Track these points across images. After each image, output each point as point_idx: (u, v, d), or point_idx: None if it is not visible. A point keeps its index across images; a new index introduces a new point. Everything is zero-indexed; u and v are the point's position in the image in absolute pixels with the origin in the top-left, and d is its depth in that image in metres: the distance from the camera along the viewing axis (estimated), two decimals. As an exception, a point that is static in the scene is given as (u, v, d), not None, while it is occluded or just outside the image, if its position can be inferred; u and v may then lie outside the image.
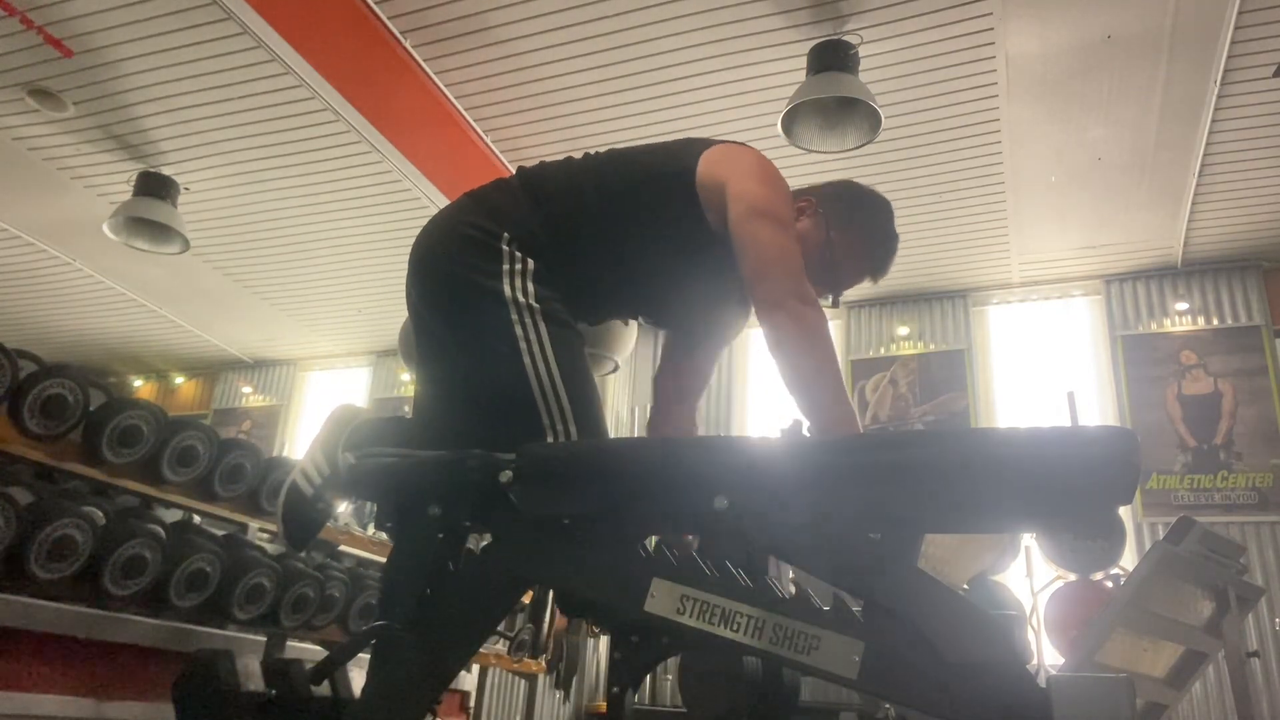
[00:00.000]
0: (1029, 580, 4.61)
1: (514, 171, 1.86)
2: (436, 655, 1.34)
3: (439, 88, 4.65)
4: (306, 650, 2.65)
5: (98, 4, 4.19)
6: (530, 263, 1.67)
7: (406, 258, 1.80)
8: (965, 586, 3.59)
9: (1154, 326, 6.00)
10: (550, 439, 1.59)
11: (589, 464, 1.32)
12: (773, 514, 1.19)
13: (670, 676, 4.91)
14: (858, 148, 4.39)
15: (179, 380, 8.74)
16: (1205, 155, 4.88)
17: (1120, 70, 4.31)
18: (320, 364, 8.29)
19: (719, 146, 1.78)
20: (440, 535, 1.41)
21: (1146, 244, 5.82)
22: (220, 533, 2.69)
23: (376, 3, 4.16)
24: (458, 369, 1.73)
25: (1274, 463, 5.48)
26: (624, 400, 6.70)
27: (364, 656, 2.34)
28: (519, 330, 1.61)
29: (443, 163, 5.02)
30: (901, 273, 6.05)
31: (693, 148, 1.78)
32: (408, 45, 4.39)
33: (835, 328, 6.49)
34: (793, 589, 1.17)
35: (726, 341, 2.10)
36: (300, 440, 7.87)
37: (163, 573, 2.21)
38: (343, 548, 3.23)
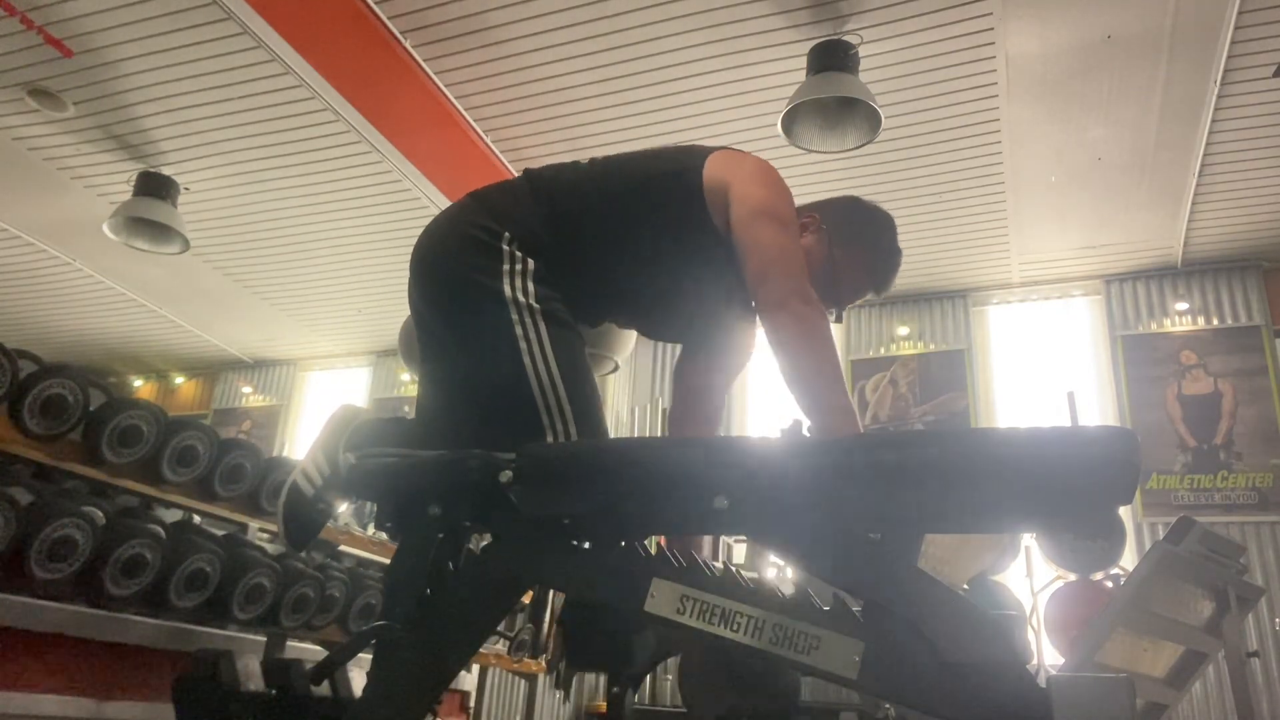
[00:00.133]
0: (1029, 580, 4.61)
1: (515, 172, 1.86)
2: (436, 655, 1.34)
3: (439, 88, 4.65)
4: (306, 650, 2.65)
5: (98, 4, 4.19)
6: (530, 262, 1.67)
7: (407, 258, 1.80)
8: (965, 586, 3.58)
9: (1154, 326, 6.00)
10: (550, 439, 1.60)
11: (589, 464, 1.32)
12: (772, 514, 1.19)
13: (670, 676, 4.90)
14: (858, 148, 4.39)
15: (179, 380, 8.74)
16: (1205, 155, 4.88)
17: (1120, 70, 4.31)
18: (320, 364, 8.29)
19: (724, 151, 1.79)
20: (440, 535, 1.41)
21: (1146, 244, 5.82)
22: (220, 533, 2.69)
23: (376, 3, 4.16)
24: (458, 369, 1.73)
25: (1274, 463, 5.48)
26: (624, 400, 6.71)
27: (364, 656, 2.34)
28: (519, 330, 1.61)
29: (443, 163, 5.02)
30: (901, 273, 6.10)
31: (698, 151, 1.79)
32: (408, 45, 4.39)
33: (835, 328, 6.47)
34: (793, 589, 1.17)
35: (733, 366, 2.02)
36: (300, 440, 7.87)
37: (163, 573, 2.21)
38: (343, 548, 3.23)
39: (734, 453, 1.31)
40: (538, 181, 1.81)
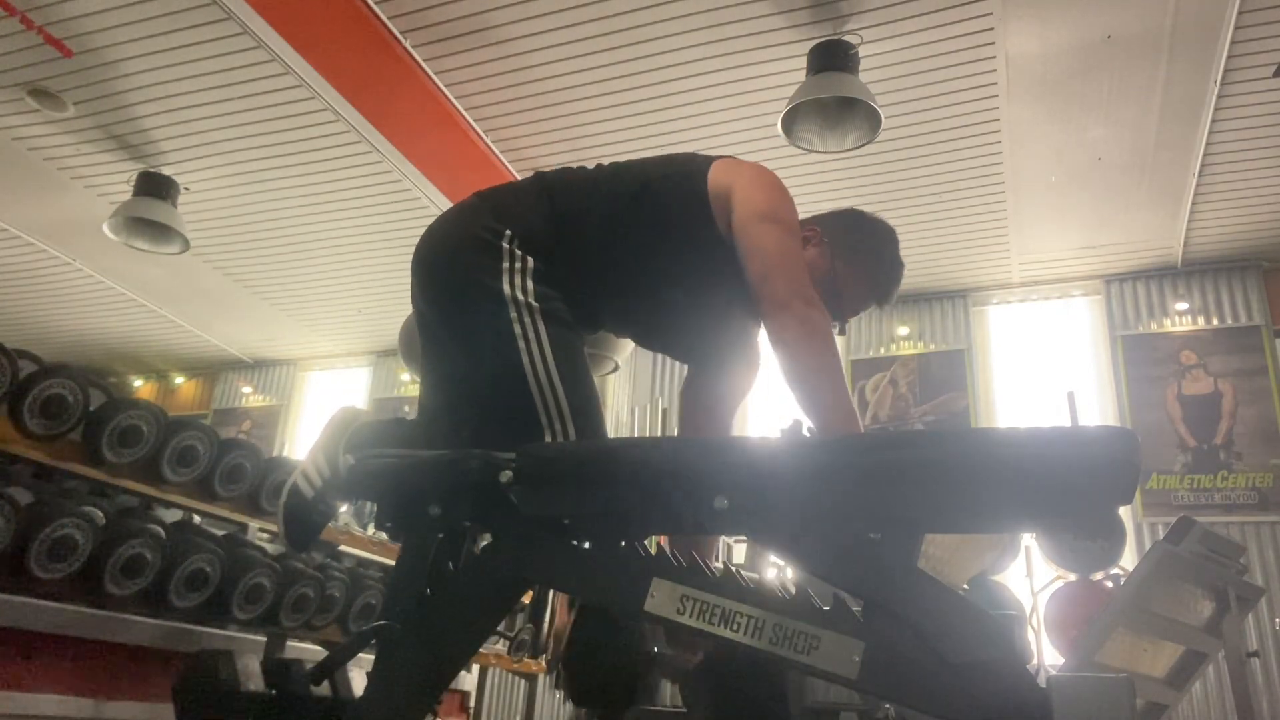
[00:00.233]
0: (1029, 580, 4.61)
1: (515, 172, 1.86)
2: (436, 655, 1.34)
3: (439, 88, 4.65)
4: (306, 650, 2.65)
5: (98, 4, 4.19)
6: (531, 261, 1.66)
7: (407, 258, 1.80)
8: (965, 586, 3.58)
9: (1154, 326, 6.00)
10: (548, 438, 1.59)
11: (589, 464, 1.32)
12: (772, 514, 1.19)
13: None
14: (858, 148, 4.39)
15: (179, 380, 8.74)
16: (1205, 155, 4.88)
17: (1120, 70, 4.31)
18: (320, 364, 8.29)
19: (728, 158, 1.80)
20: (440, 535, 1.41)
21: (1146, 244, 5.82)
22: (220, 533, 2.69)
23: (376, 3, 4.16)
24: (457, 367, 1.73)
25: (1274, 463, 5.48)
26: (624, 400, 6.70)
27: (364, 656, 2.34)
28: (518, 329, 1.61)
29: (443, 163, 5.02)
30: (902, 274, 6.11)
31: (702, 158, 1.80)
32: (408, 45, 4.39)
33: (835, 328, 6.48)
34: (793, 589, 1.17)
35: (738, 388, 1.97)
36: (300, 440, 7.88)
37: (163, 573, 2.21)
38: (343, 548, 3.23)
39: (734, 453, 1.31)
40: (545, 181, 1.81)
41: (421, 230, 1.81)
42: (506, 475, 1.30)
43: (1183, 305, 5.98)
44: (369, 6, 4.16)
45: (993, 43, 4.19)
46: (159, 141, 5.21)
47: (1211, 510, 5.46)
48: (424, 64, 4.50)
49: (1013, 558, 4.24)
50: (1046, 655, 4.36)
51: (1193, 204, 5.33)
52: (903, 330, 6.49)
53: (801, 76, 4.18)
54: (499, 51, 4.42)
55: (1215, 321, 5.89)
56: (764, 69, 4.43)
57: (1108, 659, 2.57)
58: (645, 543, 1.31)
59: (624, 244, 1.73)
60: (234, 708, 1.86)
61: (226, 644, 2.26)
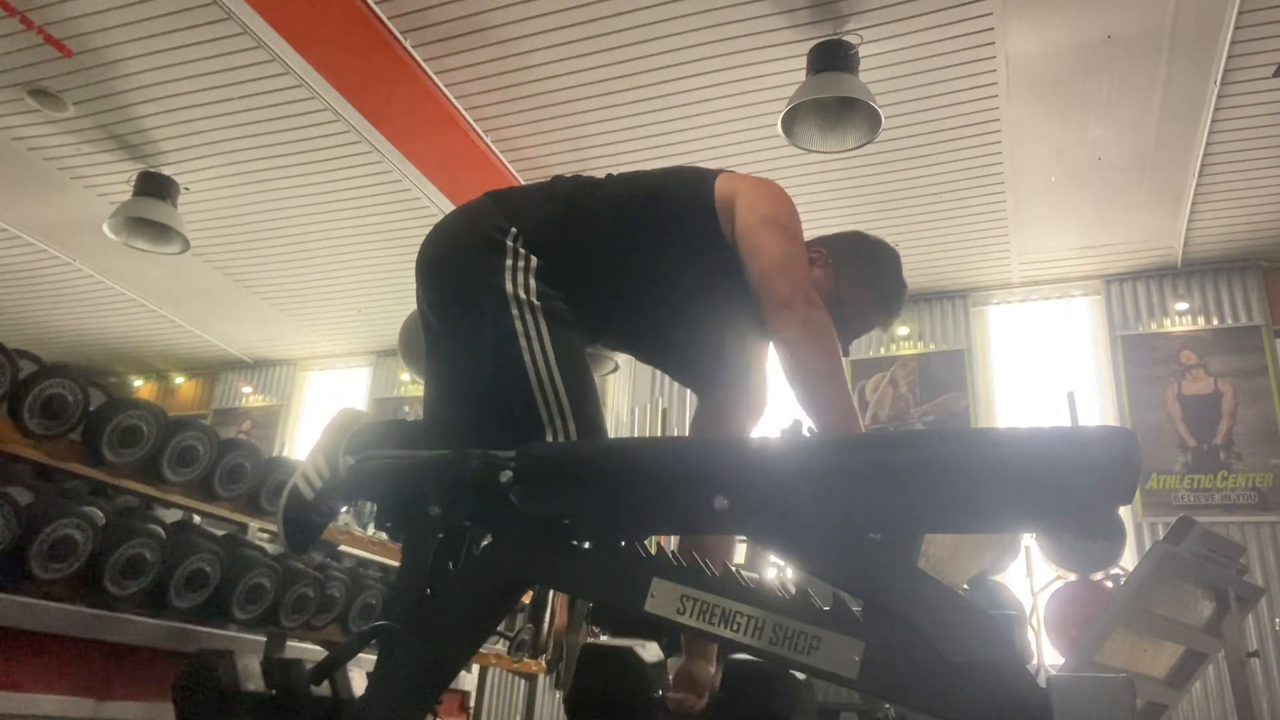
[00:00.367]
0: (1029, 580, 4.61)
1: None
2: (436, 655, 1.34)
3: (439, 88, 4.65)
4: (306, 650, 2.65)
5: (98, 4, 4.19)
6: (534, 260, 1.66)
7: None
8: (965, 586, 3.58)
9: (1154, 326, 6.00)
10: (550, 437, 1.59)
11: (589, 464, 1.32)
12: (772, 514, 1.19)
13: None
14: (858, 148, 4.39)
15: (179, 380, 8.74)
16: (1205, 155, 4.88)
17: (1120, 70, 4.31)
18: (320, 364, 8.29)
19: (733, 171, 1.82)
20: (440, 535, 1.41)
21: (1146, 244, 5.82)
22: (220, 533, 2.69)
23: (376, 3, 4.16)
24: (459, 366, 1.73)
25: (1274, 463, 5.48)
26: (624, 400, 6.70)
27: (364, 656, 2.34)
28: (519, 327, 1.61)
29: (443, 163, 5.02)
30: (902, 274, 6.15)
31: (711, 170, 1.81)
32: (408, 45, 4.39)
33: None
34: (793, 589, 1.17)
35: (744, 416, 1.90)
36: (300, 440, 7.88)
37: (163, 573, 2.21)
38: (343, 548, 3.23)
39: (734, 453, 1.31)
40: (556, 185, 1.82)
41: (421, 230, 1.81)
42: (506, 475, 1.30)
43: (1183, 305, 5.99)
44: (369, 6, 4.16)
45: (993, 43, 4.19)
46: (159, 141, 5.21)
47: (1211, 510, 5.46)
48: (424, 64, 4.50)
49: (1013, 558, 4.24)
50: (1046, 655, 4.36)
51: (1193, 204, 5.33)
52: (903, 330, 6.49)
53: (801, 76, 4.18)
54: (499, 51, 4.42)
55: (1215, 321, 5.89)
56: (764, 69, 4.43)
57: (1108, 659, 2.57)
58: (645, 543, 1.31)
59: (629, 247, 1.72)
60: (234, 708, 1.86)
61: (226, 644, 2.26)
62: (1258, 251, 5.84)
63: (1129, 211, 5.46)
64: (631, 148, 4.97)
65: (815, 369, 1.56)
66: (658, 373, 6.74)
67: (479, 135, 4.98)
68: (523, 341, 1.60)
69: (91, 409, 2.20)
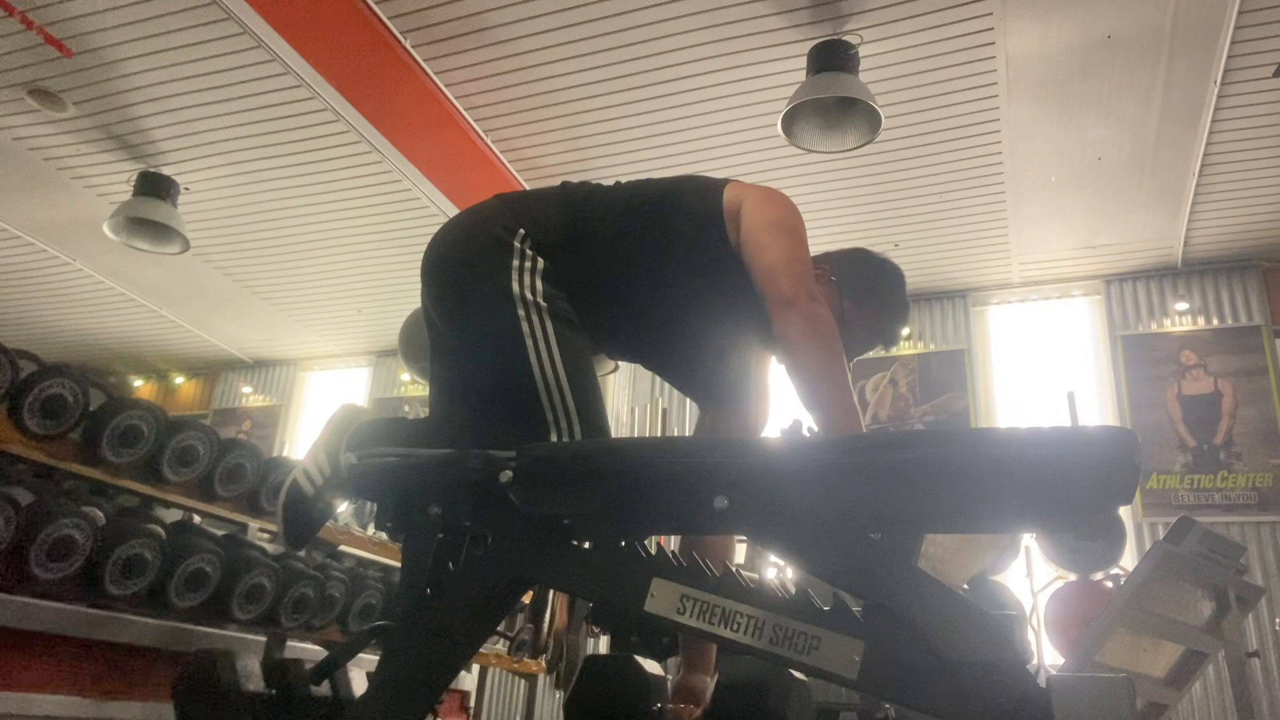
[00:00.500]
0: (1029, 580, 4.61)
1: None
2: (436, 655, 1.34)
3: (439, 88, 4.65)
4: (306, 650, 2.65)
5: (98, 4, 4.19)
6: (541, 261, 1.66)
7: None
8: (965, 586, 3.58)
9: (1154, 326, 6.00)
10: (554, 437, 1.59)
11: (589, 464, 1.32)
12: (772, 514, 1.19)
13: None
14: (858, 148, 4.39)
15: (179, 380, 8.74)
16: (1205, 155, 4.88)
17: (1120, 70, 4.31)
18: (320, 364, 8.29)
19: (741, 181, 1.82)
20: (440, 535, 1.41)
21: (1146, 244, 5.82)
22: (220, 533, 2.68)
23: (376, 3, 4.16)
24: (464, 366, 1.73)
25: (1274, 463, 5.48)
26: (624, 400, 6.70)
27: (364, 656, 2.34)
28: (525, 326, 1.61)
29: (443, 163, 5.02)
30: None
31: (719, 179, 1.82)
32: (408, 45, 4.39)
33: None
34: (793, 589, 1.17)
35: (748, 417, 1.90)
36: (300, 440, 7.88)
37: (163, 573, 2.21)
38: (343, 548, 3.22)
39: (734, 452, 1.31)
40: (566, 190, 1.82)
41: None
42: (506, 475, 1.30)
43: (1183, 305, 5.99)
44: (369, 6, 4.16)
45: (993, 43, 4.19)
46: (159, 141, 5.21)
47: (1211, 510, 5.46)
48: (424, 64, 4.50)
49: (1013, 558, 4.24)
50: (1046, 655, 4.36)
51: (1193, 204, 5.33)
52: (903, 330, 6.48)
53: (801, 76, 4.18)
54: (499, 51, 4.42)
55: (1215, 321, 5.89)
56: (764, 69, 4.43)
57: (1108, 659, 2.57)
58: (645, 543, 1.31)
59: (634, 252, 1.72)
60: (234, 708, 1.86)
61: (226, 644, 2.26)
62: (1258, 251, 5.84)
63: (1129, 211, 5.46)
64: (631, 148, 4.97)
65: (817, 365, 1.57)
66: (658, 373, 6.74)
67: (479, 135, 4.98)
68: (528, 341, 1.60)
69: (91, 409, 2.20)
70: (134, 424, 2.25)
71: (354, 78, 4.42)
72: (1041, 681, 1.01)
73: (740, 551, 4.55)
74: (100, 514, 2.18)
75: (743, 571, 1.25)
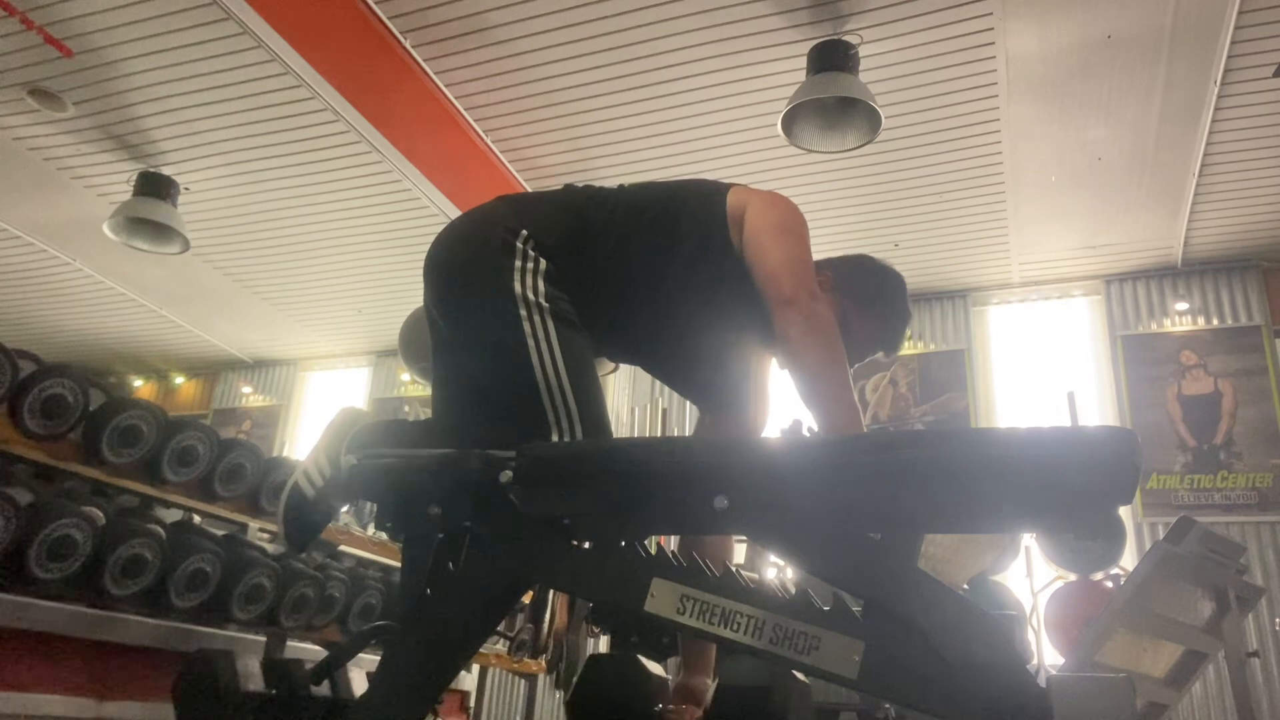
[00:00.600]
0: (1029, 580, 4.61)
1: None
2: (436, 655, 1.34)
3: (439, 88, 4.65)
4: (306, 650, 2.65)
5: (98, 4, 4.19)
6: (543, 263, 1.66)
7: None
8: (965, 586, 3.58)
9: (1154, 326, 6.00)
10: (555, 437, 1.59)
11: (589, 464, 1.32)
12: (772, 514, 1.19)
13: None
14: (858, 148, 4.39)
15: (179, 380, 8.74)
16: (1205, 155, 4.88)
17: (1120, 70, 4.31)
18: (320, 364, 8.29)
19: (745, 185, 1.82)
20: (440, 535, 1.41)
21: (1146, 244, 5.82)
22: (220, 533, 2.68)
23: (377, 3, 4.16)
24: (466, 366, 1.74)
25: (1274, 463, 5.48)
26: (624, 400, 6.70)
27: (364, 656, 2.34)
28: (527, 327, 1.61)
29: (443, 163, 5.02)
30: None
31: (723, 183, 1.82)
32: (408, 45, 4.39)
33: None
34: (793, 589, 1.17)
35: (746, 421, 1.89)
36: (300, 440, 7.88)
37: (163, 573, 2.20)
38: (343, 548, 3.22)
39: (734, 453, 1.31)
40: (570, 192, 1.83)
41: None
42: (506, 475, 1.30)
43: (1183, 305, 5.99)
44: (369, 6, 4.16)
45: (993, 43, 4.19)
46: (159, 141, 5.21)
47: (1211, 510, 5.46)
48: (424, 64, 4.50)
49: (1013, 558, 4.24)
50: (1046, 655, 4.36)
51: (1193, 204, 5.33)
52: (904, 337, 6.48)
53: (801, 76, 4.18)
54: (499, 51, 4.42)
55: (1215, 321, 5.89)
56: (764, 69, 4.43)
57: (1108, 659, 2.57)
58: (645, 543, 1.31)
59: (637, 254, 1.72)
60: (234, 708, 1.86)
61: (226, 644, 2.26)
62: (1258, 251, 5.84)
63: (1129, 211, 5.46)
64: (632, 147, 4.97)
65: (817, 364, 1.57)
66: (658, 373, 6.74)
67: (479, 135, 4.98)
68: (530, 342, 1.60)
69: (91, 409, 2.20)
70: (134, 424, 2.25)
71: (354, 78, 4.42)
72: (1041, 682, 1.01)
73: (740, 551, 4.55)
74: (100, 514, 2.17)
75: (743, 571, 1.25)
